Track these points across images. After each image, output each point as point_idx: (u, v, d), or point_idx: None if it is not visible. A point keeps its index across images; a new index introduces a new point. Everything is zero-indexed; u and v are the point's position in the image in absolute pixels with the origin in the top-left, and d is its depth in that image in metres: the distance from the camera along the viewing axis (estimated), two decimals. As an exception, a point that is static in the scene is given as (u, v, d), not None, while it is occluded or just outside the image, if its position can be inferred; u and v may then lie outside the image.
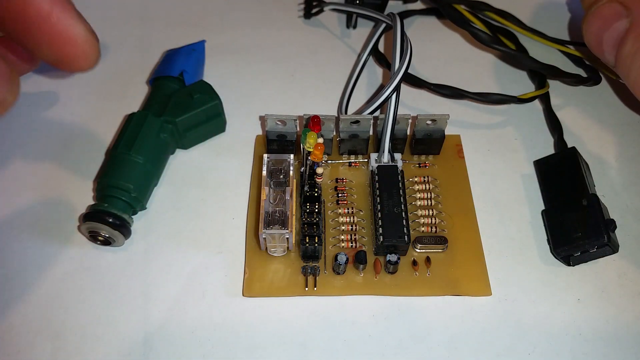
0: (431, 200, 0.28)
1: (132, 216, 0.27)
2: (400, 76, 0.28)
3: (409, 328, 0.25)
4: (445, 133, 0.29)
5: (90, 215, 0.26)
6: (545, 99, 0.33)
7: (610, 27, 0.26)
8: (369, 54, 0.33)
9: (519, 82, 0.35)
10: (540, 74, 0.34)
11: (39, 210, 0.29)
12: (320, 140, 0.24)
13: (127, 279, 0.26)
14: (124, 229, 0.26)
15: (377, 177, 0.27)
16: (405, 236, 0.26)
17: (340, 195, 0.28)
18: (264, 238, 0.25)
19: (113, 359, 0.24)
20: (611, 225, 0.26)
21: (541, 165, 0.30)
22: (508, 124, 0.33)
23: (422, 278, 0.26)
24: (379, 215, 0.26)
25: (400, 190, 0.27)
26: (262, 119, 0.32)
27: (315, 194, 0.27)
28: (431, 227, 0.28)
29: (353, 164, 0.30)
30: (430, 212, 0.28)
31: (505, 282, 0.27)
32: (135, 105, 0.32)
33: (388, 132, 0.28)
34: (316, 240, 0.25)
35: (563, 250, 0.27)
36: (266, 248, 0.26)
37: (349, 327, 0.25)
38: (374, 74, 0.35)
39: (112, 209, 0.26)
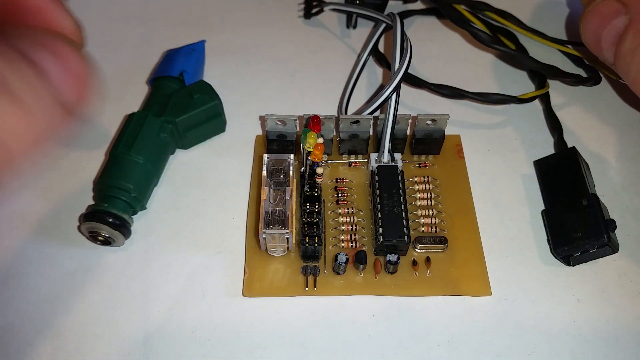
0: (431, 200, 0.28)
1: (132, 216, 0.27)
2: (400, 76, 0.28)
3: (409, 328, 0.25)
4: (445, 133, 0.29)
5: (90, 216, 0.26)
6: (545, 99, 0.33)
7: (609, 24, 0.25)
8: (369, 54, 0.33)
9: (519, 82, 0.35)
10: (540, 74, 0.34)
11: (39, 210, 0.28)
12: (320, 140, 0.24)
13: (127, 279, 0.26)
14: (124, 229, 0.26)
15: (377, 177, 0.27)
16: (405, 236, 0.26)
17: (340, 195, 0.28)
18: (264, 238, 0.25)
19: (113, 359, 0.24)
20: (611, 225, 0.26)
21: (541, 165, 0.30)
22: (508, 124, 0.33)
23: (422, 278, 0.26)
24: (379, 215, 0.26)
25: (400, 190, 0.27)
26: (262, 119, 0.32)
27: (315, 194, 0.26)
28: (431, 227, 0.28)
29: (353, 164, 0.30)
30: (430, 212, 0.28)
31: (505, 282, 0.27)
32: (135, 106, 0.32)
33: (388, 132, 0.28)
34: (316, 240, 0.25)
35: (563, 250, 0.27)
36: (266, 248, 0.26)
37: (349, 327, 0.25)
38: (374, 74, 0.35)
39: (112, 209, 0.26)
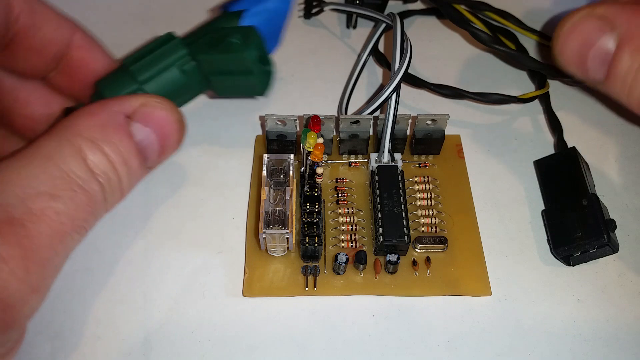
0: (431, 200, 0.28)
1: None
2: (400, 76, 0.28)
3: (409, 328, 0.25)
4: (445, 133, 0.29)
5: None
6: (545, 99, 0.33)
7: (595, 43, 0.23)
8: (369, 54, 0.33)
9: (519, 82, 0.35)
10: (540, 74, 0.34)
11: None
12: (320, 140, 0.24)
13: (127, 279, 0.26)
14: None
15: (377, 177, 0.27)
16: (405, 236, 0.26)
17: (340, 195, 0.28)
18: (264, 238, 0.25)
19: (113, 359, 0.24)
20: (611, 225, 0.26)
21: (541, 165, 0.30)
22: (508, 124, 0.33)
23: (422, 278, 0.26)
24: (379, 215, 0.26)
25: (400, 190, 0.27)
26: (262, 119, 0.32)
27: (315, 194, 0.26)
28: (431, 227, 0.28)
29: (353, 164, 0.30)
30: (430, 212, 0.28)
31: (505, 282, 0.27)
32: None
33: (388, 132, 0.28)
34: (316, 240, 0.25)
35: (563, 250, 0.27)
36: (266, 248, 0.26)
37: (349, 327, 0.25)
38: (374, 74, 0.35)
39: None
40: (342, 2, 0.37)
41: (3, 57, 0.24)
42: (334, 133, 0.29)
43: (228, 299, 0.26)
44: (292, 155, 0.26)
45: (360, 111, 0.29)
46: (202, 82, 0.26)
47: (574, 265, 0.27)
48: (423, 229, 0.28)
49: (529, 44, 0.36)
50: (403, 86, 0.32)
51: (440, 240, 0.27)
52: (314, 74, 0.35)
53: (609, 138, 0.32)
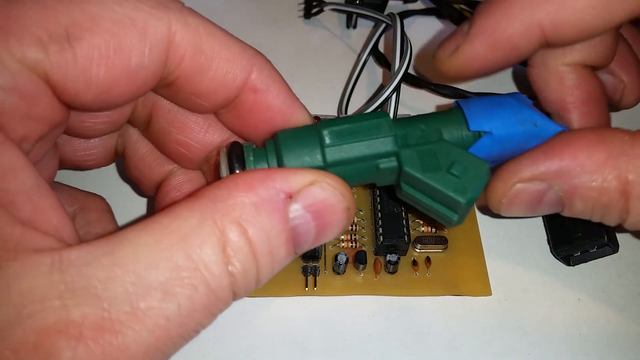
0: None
1: None
2: (400, 76, 0.28)
3: (409, 328, 0.25)
4: (445, 133, 0.29)
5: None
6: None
7: (542, 201, 0.21)
8: (369, 54, 0.33)
9: (519, 82, 0.35)
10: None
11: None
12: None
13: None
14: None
15: (377, 177, 0.27)
16: (405, 236, 0.26)
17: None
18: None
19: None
20: (611, 225, 0.26)
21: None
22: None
23: (422, 278, 0.26)
24: (379, 215, 0.26)
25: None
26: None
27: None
28: (431, 227, 0.28)
29: (353, 164, 0.30)
30: (430, 212, 0.28)
31: (505, 282, 0.27)
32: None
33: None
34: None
35: (563, 250, 0.27)
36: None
37: (349, 327, 0.25)
38: (373, 74, 0.35)
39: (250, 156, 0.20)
40: (342, 2, 0.37)
41: (167, 92, 0.21)
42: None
43: (228, 299, 0.26)
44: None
45: (360, 111, 0.29)
46: (387, 180, 0.22)
47: (574, 265, 0.27)
48: (423, 228, 0.28)
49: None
50: (403, 86, 0.32)
51: (440, 240, 0.27)
52: (314, 74, 0.35)
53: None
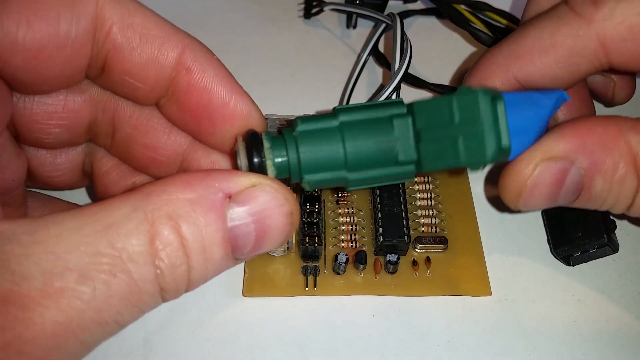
0: (431, 200, 0.28)
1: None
2: (400, 76, 0.28)
3: (409, 328, 0.25)
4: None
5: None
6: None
7: (564, 183, 0.20)
8: (368, 54, 0.33)
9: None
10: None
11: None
12: None
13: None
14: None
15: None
16: (405, 236, 0.26)
17: (340, 195, 0.28)
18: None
19: (113, 357, 0.24)
20: (611, 225, 0.26)
21: (541, 165, 0.30)
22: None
23: (422, 278, 0.26)
24: (379, 215, 0.26)
25: (400, 190, 0.27)
26: (262, 119, 0.32)
27: (315, 194, 0.26)
28: (431, 227, 0.28)
29: (353, 164, 0.30)
30: (430, 212, 0.28)
31: (505, 282, 0.27)
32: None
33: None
34: (316, 240, 0.25)
35: (563, 250, 0.27)
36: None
37: (349, 327, 0.25)
38: (373, 74, 0.35)
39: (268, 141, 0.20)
40: (342, 2, 0.37)
41: (104, 80, 0.21)
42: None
43: (228, 298, 0.26)
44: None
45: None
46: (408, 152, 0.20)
47: (574, 265, 0.27)
48: (423, 228, 0.28)
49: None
50: (403, 86, 0.32)
51: (440, 240, 0.27)
52: (314, 74, 0.35)
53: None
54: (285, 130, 0.20)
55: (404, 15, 0.37)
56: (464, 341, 0.25)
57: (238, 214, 0.17)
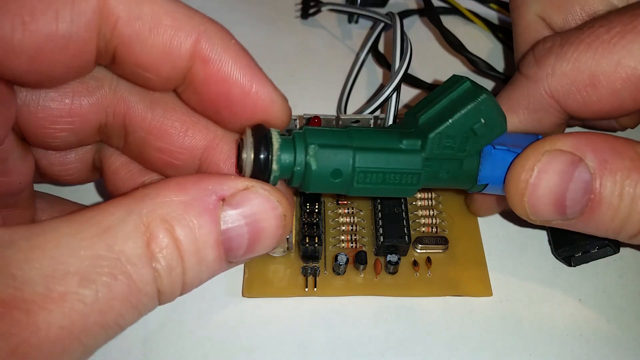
0: (432, 201, 0.28)
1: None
2: (400, 76, 0.28)
3: (410, 329, 0.25)
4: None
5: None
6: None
7: (573, 177, 0.20)
8: (367, 53, 0.33)
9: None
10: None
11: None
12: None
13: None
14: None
15: (377, 177, 0.27)
16: (406, 236, 0.26)
17: (340, 195, 0.28)
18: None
19: (113, 358, 0.24)
20: (612, 225, 0.26)
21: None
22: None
23: (423, 278, 0.26)
24: (380, 216, 0.26)
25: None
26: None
27: (315, 194, 0.26)
28: (432, 228, 0.28)
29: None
30: (431, 212, 0.28)
31: (506, 282, 0.27)
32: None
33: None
34: (316, 241, 0.25)
35: (564, 251, 0.27)
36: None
37: (349, 328, 0.25)
38: (373, 73, 0.35)
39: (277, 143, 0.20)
40: (340, 2, 0.37)
41: (117, 69, 0.20)
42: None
43: (228, 299, 0.26)
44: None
45: (360, 111, 0.29)
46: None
47: (575, 266, 0.27)
48: (423, 229, 0.28)
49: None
50: (403, 86, 0.32)
51: (440, 241, 0.27)
52: (313, 74, 0.35)
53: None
54: (296, 133, 0.20)
55: (404, 15, 0.37)
56: (465, 342, 0.25)
57: (231, 217, 0.17)
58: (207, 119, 0.22)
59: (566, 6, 0.25)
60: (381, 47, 0.36)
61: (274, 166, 0.19)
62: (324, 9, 0.37)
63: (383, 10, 0.36)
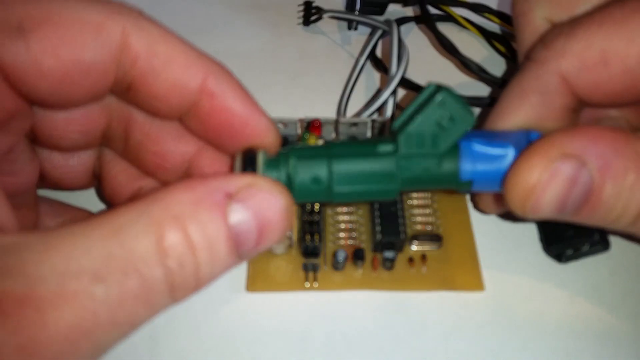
0: (427, 200, 0.29)
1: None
2: (397, 81, 0.29)
3: (406, 322, 0.26)
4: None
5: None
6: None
7: (577, 182, 0.20)
8: (366, 59, 0.34)
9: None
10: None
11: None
12: (321, 142, 0.25)
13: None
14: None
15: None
16: (402, 234, 0.26)
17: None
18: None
19: (120, 353, 0.25)
20: (602, 223, 0.26)
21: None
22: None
23: (418, 274, 0.27)
24: (377, 214, 0.27)
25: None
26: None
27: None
28: (427, 225, 0.28)
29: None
30: (426, 211, 0.29)
31: (498, 278, 0.27)
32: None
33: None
34: (316, 238, 0.26)
35: (555, 248, 0.27)
36: (268, 245, 0.27)
37: (348, 321, 0.26)
38: (371, 78, 0.36)
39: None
40: (341, 8, 0.38)
41: (128, 97, 0.22)
42: (333, 135, 0.30)
43: (232, 294, 0.27)
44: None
45: (359, 114, 0.30)
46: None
47: (565, 263, 0.28)
48: (419, 227, 0.28)
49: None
50: (400, 90, 0.33)
51: (435, 238, 0.27)
52: (314, 79, 0.36)
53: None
54: (281, 152, 0.22)
55: (401, 21, 0.38)
56: (459, 335, 0.25)
57: (239, 211, 0.18)
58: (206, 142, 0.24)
59: (574, 5, 0.24)
60: (379, 53, 0.37)
61: None
62: (325, 15, 0.38)
63: (381, 18, 0.37)
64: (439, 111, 0.21)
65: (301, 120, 0.30)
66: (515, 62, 0.34)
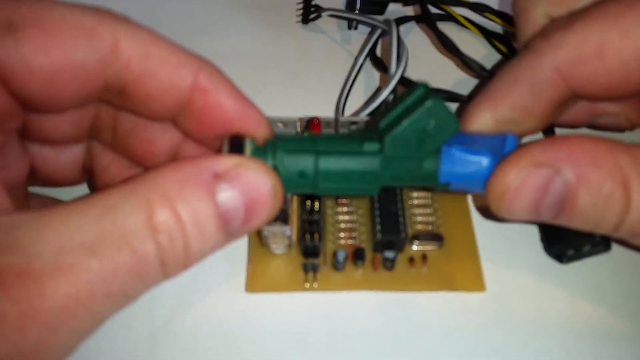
0: (428, 199, 0.29)
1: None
2: (396, 80, 0.29)
3: (406, 322, 0.26)
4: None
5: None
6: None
7: (548, 191, 0.20)
8: (365, 58, 0.34)
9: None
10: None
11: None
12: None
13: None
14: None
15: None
16: (402, 233, 0.26)
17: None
18: (266, 235, 0.26)
19: (119, 353, 0.25)
20: (604, 223, 0.26)
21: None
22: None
23: (419, 274, 0.27)
24: (377, 213, 0.27)
25: (397, 189, 0.28)
26: (264, 121, 0.33)
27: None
28: (427, 225, 0.28)
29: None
30: (427, 211, 0.29)
31: (499, 278, 0.27)
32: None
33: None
34: (316, 238, 0.26)
35: (556, 248, 0.27)
36: (268, 245, 0.27)
37: (348, 321, 0.26)
38: (371, 77, 0.36)
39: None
40: (340, 8, 0.38)
41: (121, 101, 0.22)
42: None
43: (231, 294, 0.26)
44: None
45: (358, 112, 0.30)
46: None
47: (567, 263, 0.27)
48: (419, 226, 0.28)
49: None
50: (399, 89, 0.33)
51: (436, 238, 0.27)
52: (314, 78, 0.36)
53: (605, 136, 0.32)
54: (269, 141, 0.23)
55: (401, 21, 0.38)
56: (460, 335, 0.25)
57: (226, 190, 0.19)
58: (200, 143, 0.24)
59: (573, 1, 0.25)
60: (379, 52, 0.37)
61: None
62: (324, 14, 0.38)
63: (381, 17, 0.37)
64: (426, 118, 0.22)
65: (300, 119, 0.30)
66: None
